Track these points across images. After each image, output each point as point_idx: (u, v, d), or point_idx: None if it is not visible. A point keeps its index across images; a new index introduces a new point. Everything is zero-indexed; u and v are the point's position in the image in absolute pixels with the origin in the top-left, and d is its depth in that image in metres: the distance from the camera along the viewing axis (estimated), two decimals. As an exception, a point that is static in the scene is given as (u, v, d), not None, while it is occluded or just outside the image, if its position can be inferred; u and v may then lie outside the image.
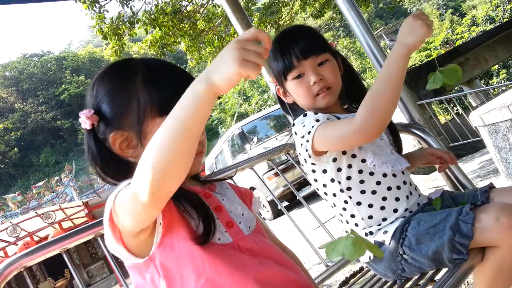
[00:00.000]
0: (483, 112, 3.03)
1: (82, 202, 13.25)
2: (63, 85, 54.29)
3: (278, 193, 7.39)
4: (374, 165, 1.26)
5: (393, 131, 1.41)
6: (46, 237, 12.84)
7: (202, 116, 0.70)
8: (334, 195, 1.32)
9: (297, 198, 2.09)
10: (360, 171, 1.27)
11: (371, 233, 1.28)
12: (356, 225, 1.31)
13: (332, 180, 1.30)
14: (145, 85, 0.91)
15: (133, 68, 0.95)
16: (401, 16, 42.53)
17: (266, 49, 0.70)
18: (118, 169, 0.92)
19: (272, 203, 7.91)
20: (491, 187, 1.28)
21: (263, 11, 9.78)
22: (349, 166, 1.27)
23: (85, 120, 0.92)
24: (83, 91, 39.41)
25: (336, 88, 1.33)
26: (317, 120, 1.21)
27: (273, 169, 6.26)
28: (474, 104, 10.52)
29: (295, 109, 1.40)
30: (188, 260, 0.86)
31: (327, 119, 1.22)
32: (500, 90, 9.70)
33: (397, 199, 1.27)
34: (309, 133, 1.20)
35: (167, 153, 0.69)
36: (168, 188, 0.73)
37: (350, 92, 1.42)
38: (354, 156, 1.26)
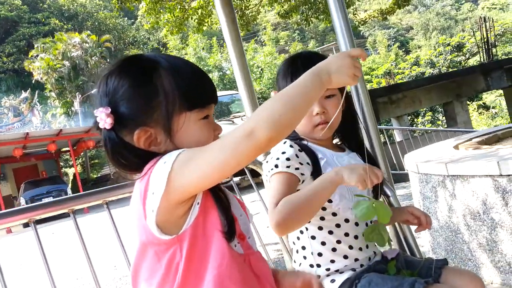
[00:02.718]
0: (419, 161, 3.23)
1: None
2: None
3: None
4: (338, 208, 1.27)
5: (381, 186, 1.41)
6: None
7: (321, 92, 0.91)
8: None
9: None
10: (324, 208, 1.28)
11: (318, 277, 1.28)
12: (305, 257, 1.32)
13: None
14: (172, 78, 0.89)
15: (154, 61, 0.91)
16: (355, 35, 44.09)
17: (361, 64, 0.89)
18: (145, 156, 0.88)
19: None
20: (445, 263, 1.34)
21: (231, -5, 9.59)
22: None
23: (105, 119, 0.86)
24: (15, 17, 35.91)
25: (335, 124, 1.36)
26: (276, 166, 1.23)
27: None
28: (398, 138, 11.19)
29: None
30: (213, 249, 0.86)
31: (287, 167, 1.23)
32: (424, 132, 10.45)
33: (350, 247, 1.29)
34: (271, 169, 1.24)
35: (294, 110, 0.82)
36: (285, 134, 0.82)
37: (343, 130, 1.43)
38: None
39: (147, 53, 0.98)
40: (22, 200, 16.23)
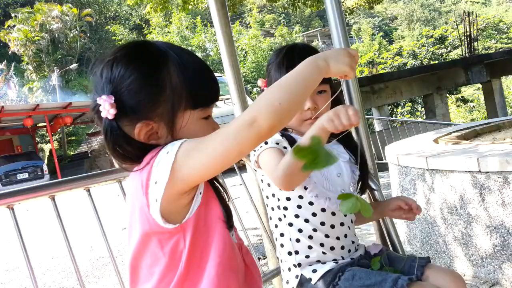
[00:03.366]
0: (400, 153, 3.27)
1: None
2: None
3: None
4: (316, 195, 1.29)
5: (364, 177, 1.42)
6: None
7: (319, 80, 0.89)
8: (272, 209, 1.36)
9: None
10: (300, 197, 1.30)
11: (299, 265, 1.30)
12: (282, 245, 1.33)
13: (273, 195, 1.34)
14: (180, 74, 0.88)
15: (163, 53, 0.89)
16: (339, 23, 43.92)
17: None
18: (146, 149, 0.87)
19: None
20: (428, 261, 1.35)
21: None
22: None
23: (108, 109, 0.83)
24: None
25: None
26: (266, 143, 1.26)
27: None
28: (377, 128, 11.32)
29: None
30: (216, 237, 0.88)
31: (276, 143, 1.27)
32: (404, 123, 10.60)
33: (326, 236, 1.30)
34: (256, 149, 1.27)
35: (294, 97, 0.82)
36: (285, 122, 0.83)
37: None
38: None
39: (156, 41, 0.95)
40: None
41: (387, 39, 42.00)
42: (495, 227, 2.39)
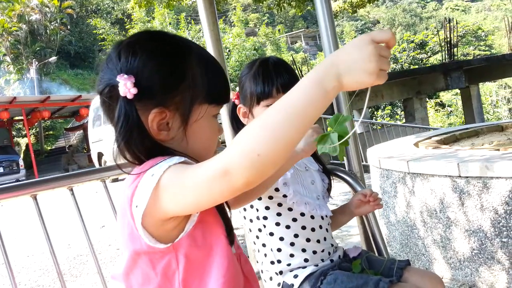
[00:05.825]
0: (381, 156, 3.31)
1: None
2: None
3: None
4: (293, 202, 1.30)
5: (329, 180, 1.47)
6: None
7: (325, 108, 0.67)
8: (251, 220, 1.36)
9: None
10: (280, 204, 1.32)
11: (281, 272, 1.31)
12: (265, 255, 1.34)
13: (252, 206, 1.35)
14: (200, 68, 0.84)
15: (187, 46, 0.86)
16: (322, 24, 44.23)
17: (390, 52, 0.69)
18: (152, 148, 0.80)
19: None
20: (407, 264, 1.38)
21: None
22: (270, 197, 1.31)
23: (129, 88, 0.77)
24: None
25: None
26: None
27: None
28: (358, 131, 11.43)
29: None
30: (217, 257, 0.81)
31: None
32: (384, 126, 10.75)
33: (308, 240, 1.32)
34: None
35: (281, 144, 0.64)
36: (265, 176, 0.66)
37: None
38: (277, 189, 1.31)
39: (181, 36, 0.92)
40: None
41: (369, 43, 42.43)
42: (474, 231, 2.44)
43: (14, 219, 6.82)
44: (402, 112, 16.24)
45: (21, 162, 16.43)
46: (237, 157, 0.64)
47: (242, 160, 0.63)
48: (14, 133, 23.35)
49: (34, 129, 23.44)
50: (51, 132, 25.50)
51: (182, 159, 0.76)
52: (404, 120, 14.11)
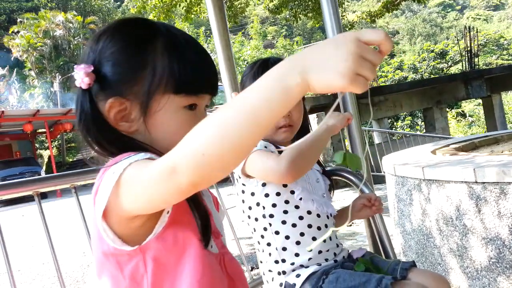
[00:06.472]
0: (397, 163, 3.24)
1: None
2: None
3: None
4: (300, 198, 1.30)
5: (330, 181, 1.48)
6: None
7: (285, 110, 0.58)
8: (256, 219, 1.34)
9: None
10: (287, 202, 1.31)
11: (284, 272, 1.30)
12: (270, 254, 1.32)
13: (258, 204, 1.33)
14: (167, 54, 0.78)
15: (154, 30, 0.81)
16: (341, 36, 44.12)
17: (382, 58, 0.57)
18: (115, 140, 0.78)
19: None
20: (412, 265, 1.34)
21: (221, -16, 9.46)
22: (278, 194, 1.30)
23: (83, 77, 0.75)
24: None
25: (297, 127, 1.40)
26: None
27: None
28: (377, 141, 11.31)
29: None
30: (189, 261, 0.76)
31: (265, 147, 1.27)
32: (403, 136, 10.58)
33: (313, 239, 1.30)
34: None
35: (231, 144, 0.57)
36: (213, 179, 0.61)
37: (297, 136, 1.45)
38: (285, 185, 1.30)
39: (155, 20, 0.87)
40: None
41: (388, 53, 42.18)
42: (491, 239, 2.35)
43: (34, 226, 6.93)
44: (423, 123, 16.00)
45: (43, 174, 16.78)
46: (183, 156, 0.59)
47: (187, 159, 0.58)
48: (37, 145, 23.96)
49: (56, 141, 24.00)
50: (73, 145, 26.00)
51: (148, 155, 0.71)
52: (424, 131, 13.89)
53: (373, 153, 8.12)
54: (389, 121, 19.64)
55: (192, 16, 8.73)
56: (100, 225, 0.71)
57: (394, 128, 18.74)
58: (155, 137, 0.80)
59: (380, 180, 6.82)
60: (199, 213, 0.79)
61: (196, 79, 0.80)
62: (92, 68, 0.76)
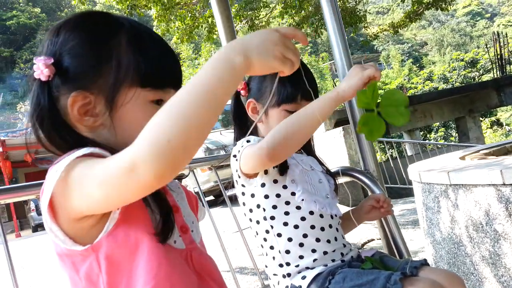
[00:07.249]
0: (422, 170, 3.13)
1: (-1, 139, 12.34)
2: (14, 11, 50.46)
3: (207, 187, 7.30)
4: (302, 200, 1.25)
5: (334, 181, 1.43)
6: None
7: (235, 87, 0.67)
8: (258, 222, 1.30)
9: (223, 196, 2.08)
10: (287, 203, 1.27)
11: (288, 275, 1.25)
12: (274, 258, 1.28)
13: (258, 206, 1.29)
14: (132, 48, 0.77)
15: (118, 24, 0.80)
16: (367, 50, 44.06)
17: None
18: (66, 137, 0.76)
19: (197, 195, 7.83)
20: (423, 263, 1.27)
21: (242, 4, 9.64)
22: (278, 195, 1.26)
23: (42, 69, 0.73)
24: (34, 24, 36.81)
25: None
26: (248, 141, 1.21)
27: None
28: (409, 153, 11.05)
29: (253, 131, 1.36)
30: (143, 257, 0.73)
31: (259, 141, 1.23)
32: (436, 147, 10.28)
33: (317, 240, 1.26)
34: (238, 151, 1.21)
35: (193, 127, 0.59)
36: (177, 167, 0.60)
37: None
38: (285, 187, 1.26)
39: (118, 14, 0.86)
40: (32, 205, 16.41)
41: (417, 65, 41.60)
42: (525, 244, 2.20)
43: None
44: (457, 134, 15.52)
45: None
46: (145, 147, 0.58)
47: (151, 149, 0.57)
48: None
49: None
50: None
51: (89, 150, 0.69)
52: (458, 141, 13.47)
53: (404, 165, 7.92)
54: (421, 133, 19.17)
55: (214, 36, 8.88)
56: (48, 226, 0.69)
57: (427, 140, 18.25)
58: (120, 132, 0.78)
59: (410, 193, 6.62)
60: (159, 207, 0.76)
61: (161, 72, 0.80)
62: (52, 61, 0.75)
